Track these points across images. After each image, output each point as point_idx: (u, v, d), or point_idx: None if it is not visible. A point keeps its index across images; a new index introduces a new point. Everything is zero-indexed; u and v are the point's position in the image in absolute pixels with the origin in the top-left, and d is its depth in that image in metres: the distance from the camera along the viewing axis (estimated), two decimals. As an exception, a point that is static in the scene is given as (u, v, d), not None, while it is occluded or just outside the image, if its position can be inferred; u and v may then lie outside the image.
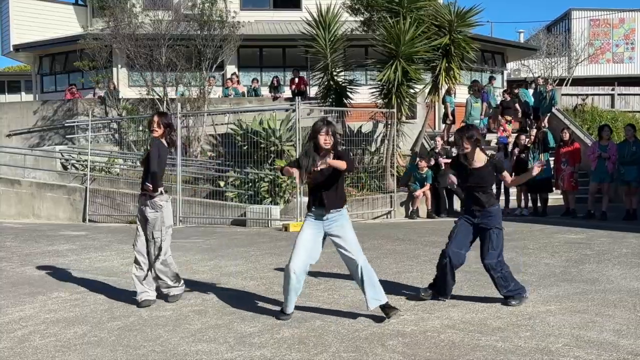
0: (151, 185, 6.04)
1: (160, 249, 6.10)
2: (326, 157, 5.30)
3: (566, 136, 13.25)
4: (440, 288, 5.98)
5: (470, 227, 5.91)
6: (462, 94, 19.94)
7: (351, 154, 6.17)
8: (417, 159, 14.02)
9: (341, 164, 5.20)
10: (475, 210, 5.87)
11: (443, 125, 18.52)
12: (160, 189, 6.11)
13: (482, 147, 6.04)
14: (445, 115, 18.16)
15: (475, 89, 17.73)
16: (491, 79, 21.51)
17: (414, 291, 6.31)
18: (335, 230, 5.37)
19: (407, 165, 14.76)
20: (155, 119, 6.20)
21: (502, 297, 5.84)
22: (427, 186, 13.65)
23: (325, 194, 5.34)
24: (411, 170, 14.09)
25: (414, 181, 13.85)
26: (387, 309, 5.37)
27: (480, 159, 5.87)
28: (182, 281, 6.36)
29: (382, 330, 5.15)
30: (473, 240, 5.98)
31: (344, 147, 9.58)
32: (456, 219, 6.14)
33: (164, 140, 6.21)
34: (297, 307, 5.53)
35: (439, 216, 13.55)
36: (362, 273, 5.30)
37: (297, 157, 5.96)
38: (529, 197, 13.59)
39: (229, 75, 20.86)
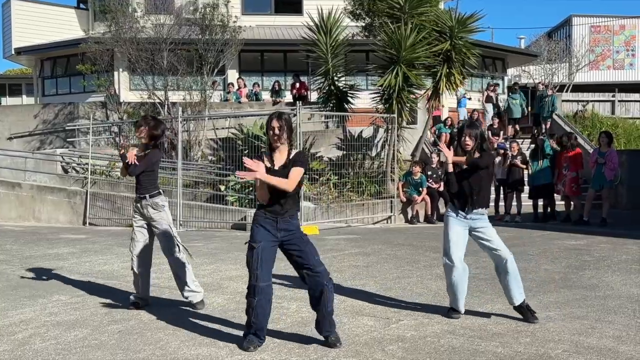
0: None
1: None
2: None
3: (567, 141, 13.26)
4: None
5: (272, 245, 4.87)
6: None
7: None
8: (411, 164, 14.08)
9: None
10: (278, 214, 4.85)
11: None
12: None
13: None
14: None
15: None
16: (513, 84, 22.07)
17: (413, 296, 6.30)
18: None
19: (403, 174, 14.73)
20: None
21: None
22: (425, 191, 13.72)
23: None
24: (406, 177, 14.15)
25: (408, 187, 13.90)
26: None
27: (284, 157, 4.89)
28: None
29: (382, 335, 5.15)
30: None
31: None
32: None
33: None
34: (296, 312, 5.54)
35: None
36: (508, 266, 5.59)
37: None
38: (522, 204, 13.59)
39: (230, 80, 20.90)
